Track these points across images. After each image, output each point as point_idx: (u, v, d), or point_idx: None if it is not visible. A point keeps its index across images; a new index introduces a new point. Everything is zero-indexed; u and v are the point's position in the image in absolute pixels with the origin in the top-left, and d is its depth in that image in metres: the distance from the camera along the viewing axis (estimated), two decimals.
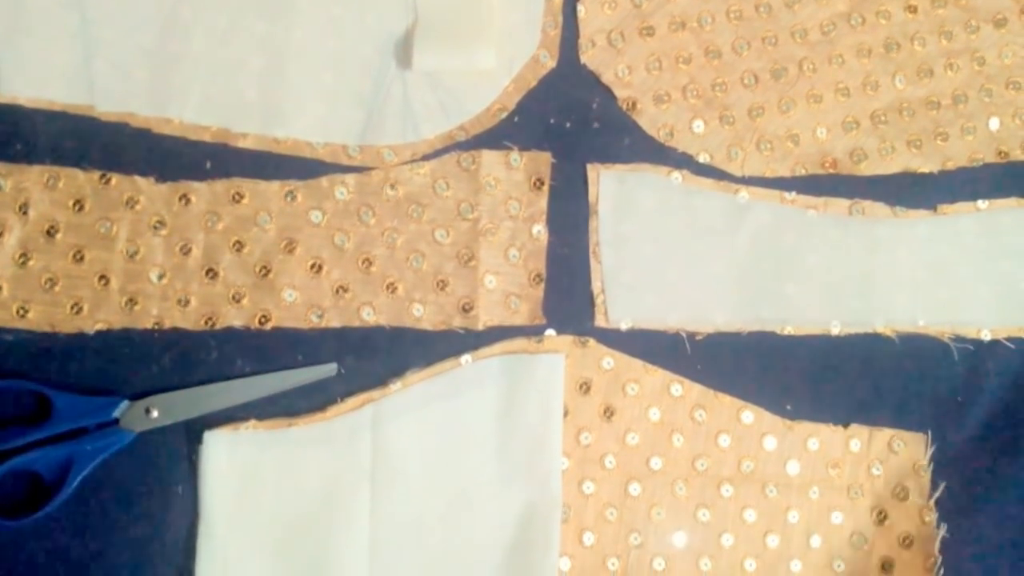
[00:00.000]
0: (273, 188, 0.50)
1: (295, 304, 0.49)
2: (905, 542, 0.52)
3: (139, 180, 0.49)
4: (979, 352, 0.53)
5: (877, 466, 0.53)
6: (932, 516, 0.52)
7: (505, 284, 0.51)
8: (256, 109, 0.50)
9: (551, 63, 0.52)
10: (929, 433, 0.53)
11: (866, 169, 0.53)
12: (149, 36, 0.49)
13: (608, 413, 0.51)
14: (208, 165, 0.49)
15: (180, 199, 0.49)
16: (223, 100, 0.50)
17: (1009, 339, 0.53)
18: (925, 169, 0.53)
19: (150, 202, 0.49)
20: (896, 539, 0.52)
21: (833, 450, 0.52)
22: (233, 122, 0.49)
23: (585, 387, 0.51)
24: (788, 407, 0.52)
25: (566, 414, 0.51)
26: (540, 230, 0.51)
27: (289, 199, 0.50)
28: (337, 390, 0.49)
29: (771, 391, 0.52)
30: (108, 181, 0.49)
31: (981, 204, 0.54)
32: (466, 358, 0.50)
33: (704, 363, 0.52)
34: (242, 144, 0.50)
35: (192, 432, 0.48)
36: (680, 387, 0.52)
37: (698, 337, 0.52)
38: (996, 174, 0.54)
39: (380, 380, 0.50)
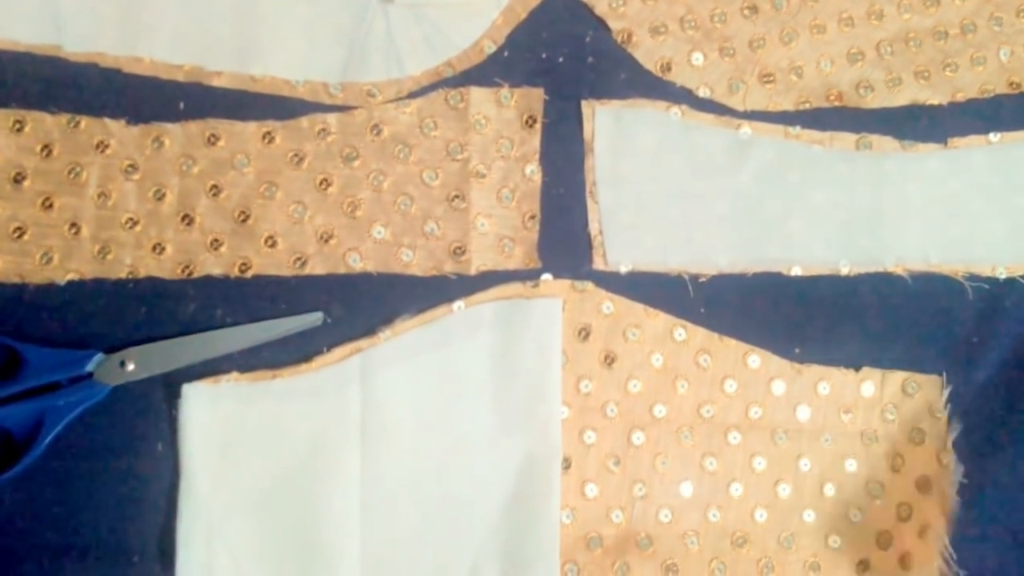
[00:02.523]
0: (250, 129, 0.49)
1: (277, 251, 0.49)
2: (923, 486, 0.52)
3: (109, 123, 0.48)
4: (994, 290, 0.53)
5: (891, 410, 0.52)
6: (950, 459, 0.52)
7: (498, 227, 0.50)
8: (230, 45, 0.49)
9: None
10: (944, 375, 0.52)
11: (873, 102, 0.53)
12: None
13: (609, 360, 0.51)
14: (181, 106, 0.49)
15: (153, 142, 0.48)
16: (195, 37, 0.49)
17: None
18: (934, 101, 0.53)
19: (121, 146, 0.48)
20: (913, 484, 0.52)
21: (845, 395, 0.52)
22: (207, 60, 0.49)
23: (584, 333, 0.51)
24: (797, 350, 0.52)
25: (565, 361, 0.50)
26: (533, 170, 0.51)
27: (268, 141, 0.49)
28: (323, 340, 0.49)
29: (779, 334, 0.52)
30: (77, 124, 0.48)
31: (993, 137, 0.53)
32: (458, 304, 0.50)
33: (708, 306, 0.52)
34: (217, 83, 0.49)
35: (170, 386, 0.47)
36: (683, 331, 0.51)
37: (701, 279, 0.51)
38: (1008, 106, 0.54)
39: (368, 329, 0.49)
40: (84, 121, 0.48)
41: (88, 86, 0.48)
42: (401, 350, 0.49)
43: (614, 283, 0.51)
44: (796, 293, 0.52)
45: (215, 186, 0.48)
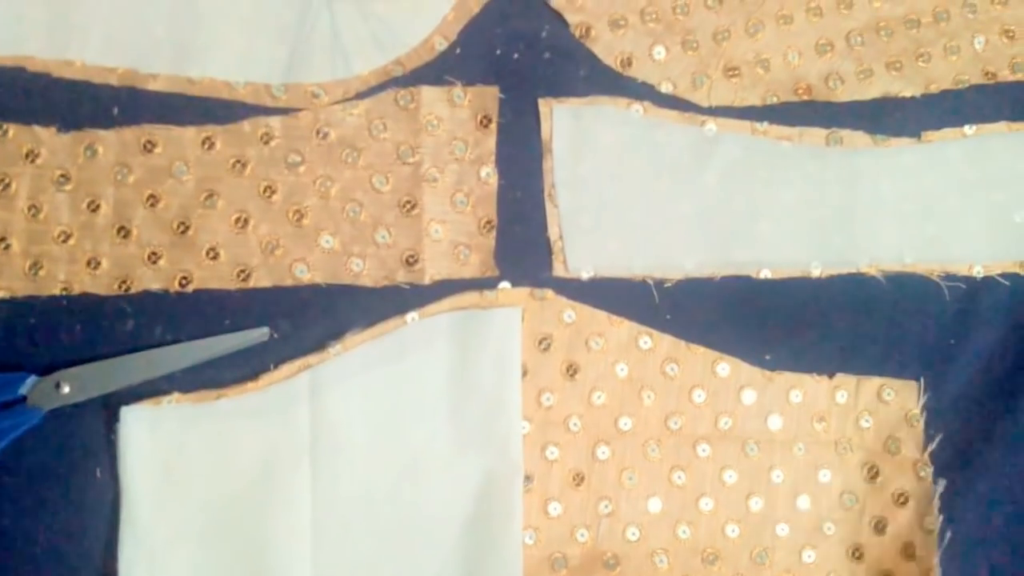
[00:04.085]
0: (189, 135, 0.48)
1: (219, 263, 0.48)
2: (900, 500, 0.51)
3: (39, 130, 0.47)
4: (971, 290, 0.52)
5: (866, 418, 0.52)
6: (928, 471, 0.51)
7: (452, 233, 0.50)
8: (166, 46, 0.48)
9: None
10: (921, 380, 0.52)
11: (843, 95, 0.52)
12: None
13: (571, 371, 0.50)
14: (115, 111, 0.48)
15: (85, 150, 0.47)
16: (129, 38, 0.48)
17: (1003, 275, 0.52)
18: (907, 93, 0.53)
19: (52, 154, 0.47)
20: (890, 497, 0.51)
21: (818, 402, 0.52)
22: (141, 62, 0.48)
23: (545, 343, 0.50)
24: (767, 357, 0.51)
25: (525, 374, 0.49)
26: (489, 172, 0.50)
27: (207, 147, 0.48)
28: (270, 357, 0.48)
29: (748, 340, 0.51)
30: (5, 133, 0.47)
31: (968, 130, 0.53)
32: (412, 316, 0.49)
33: (674, 312, 0.51)
34: (152, 86, 0.48)
35: (109, 408, 0.46)
36: (649, 339, 0.50)
37: (667, 284, 0.51)
38: (983, 97, 0.53)
39: (317, 344, 0.48)
40: (11, 129, 0.47)
41: (15, 92, 0.47)
42: (352, 365, 0.48)
43: (576, 290, 0.50)
44: (766, 297, 0.51)
45: (152, 196, 0.47)
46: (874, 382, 0.52)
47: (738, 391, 0.51)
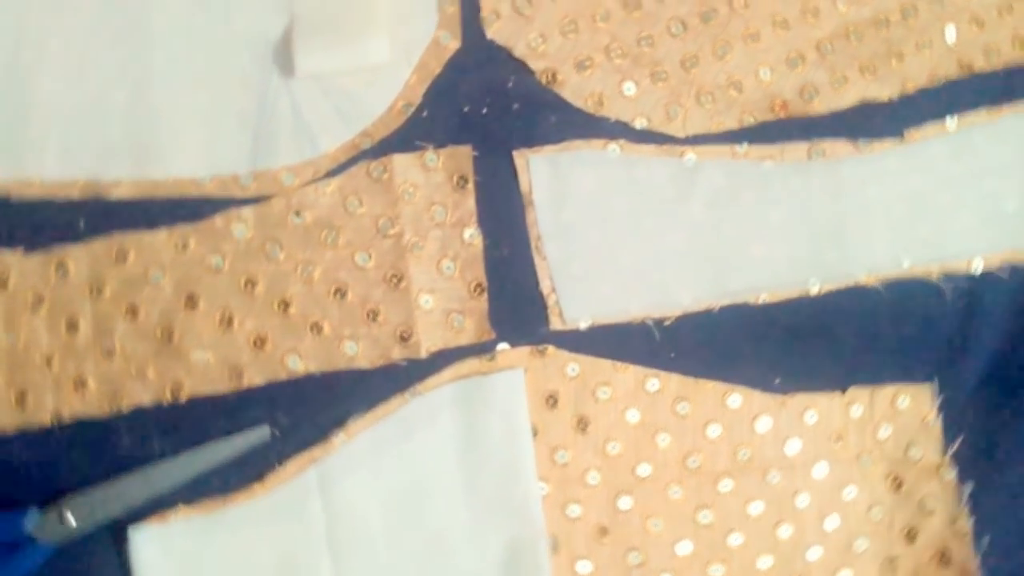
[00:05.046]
0: (161, 238, 0.47)
1: (208, 366, 0.47)
2: (927, 506, 0.51)
3: (5, 255, 0.46)
4: (973, 286, 0.52)
5: (884, 428, 0.52)
6: (951, 473, 0.51)
7: (444, 302, 0.49)
8: (126, 150, 0.47)
9: (454, 44, 0.50)
10: (935, 382, 0.52)
11: (819, 106, 0.52)
12: None
13: (582, 424, 0.50)
14: (82, 224, 0.47)
15: (56, 269, 0.46)
16: (87, 146, 0.47)
17: (1003, 266, 0.52)
18: (884, 96, 0.52)
19: (22, 278, 0.46)
20: (917, 504, 0.52)
21: (833, 420, 0.52)
22: (103, 170, 0.47)
23: (552, 400, 0.50)
24: (777, 381, 0.51)
25: (535, 434, 0.49)
26: (473, 234, 0.49)
27: (181, 248, 0.47)
28: (273, 455, 0.47)
29: (756, 367, 0.51)
30: None
31: (950, 124, 0.53)
32: (413, 393, 0.48)
33: (678, 350, 0.51)
34: (117, 194, 0.47)
35: (118, 531, 0.46)
36: (656, 381, 0.50)
37: (666, 322, 0.50)
38: (961, 89, 0.53)
39: (320, 435, 0.48)
40: None
41: None
42: (359, 452, 0.47)
43: (576, 341, 0.50)
44: (767, 321, 0.51)
45: (131, 307, 0.47)
46: (887, 391, 0.52)
47: (752, 420, 0.51)
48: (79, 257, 0.46)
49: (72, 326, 0.46)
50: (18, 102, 0.46)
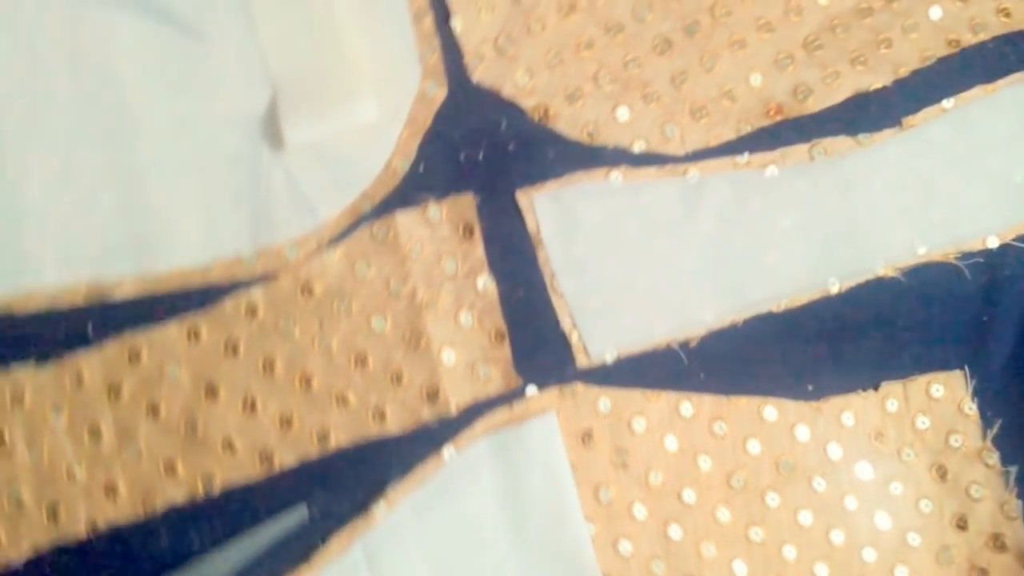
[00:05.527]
0: (172, 332, 0.47)
1: (238, 454, 0.47)
2: (974, 493, 0.51)
3: (18, 371, 0.45)
4: (991, 263, 0.52)
5: (921, 419, 0.52)
6: (994, 456, 0.51)
7: (466, 354, 0.49)
8: (125, 248, 0.46)
9: (442, 93, 0.49)
10: (966, 367, 0.52)
11: (814, 104, 0.52)
12: None
13: (621, 458, 0.49)
14: (90, 329, 0.46)
15: (71, 378, 0.46)
16: (84, 250, 0.46)
17: (1018, 238, 0.52)
18: (877, 84, 0.52)
19: (38, 392, 0.46)
20: (964, 492, 0.51)
21: (871, 418, 0.51)
22: (104, 271, 0.46)
23: (587, 438, 0.49)
24: (810, 387, 0.51)
25: (576, 475, 0.49)
26: (486, 282, 0.49)
27: (194, 339, 0.47)
28: (316, 535, 0.47)
29: (787, 376, 0.51)
30: None
31: (947, 104, 0.53)
32: (449, 452, 0.48)
33: (707, 369, 0.50)
34: (122, 294, 0.46)
35: None
36: (690, 404, 0.50)
37: (692, 344, 0.50)
38: (953, 67, 0.53)
39: (361, 508, 0.47)
40: None
41: None
42: (402, 520, 0.47)
43: (604, 376, 0.50)
44: (792, 328, 0.51)
45: (152, 405, 0.46)
46: (920, 381, 0.52)
47: (791, 430, 0.50)
48: (92, 363, 0.46)
49: (95, 433, 0.45)
50: (8, 214, 0.45)
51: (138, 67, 0.46)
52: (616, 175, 0.50)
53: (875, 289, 0.51)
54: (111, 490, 0.45)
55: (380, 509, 0.47)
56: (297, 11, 0.47)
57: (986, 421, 0.51)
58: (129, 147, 0.46)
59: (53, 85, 0.46)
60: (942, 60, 0.53)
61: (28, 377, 0.45)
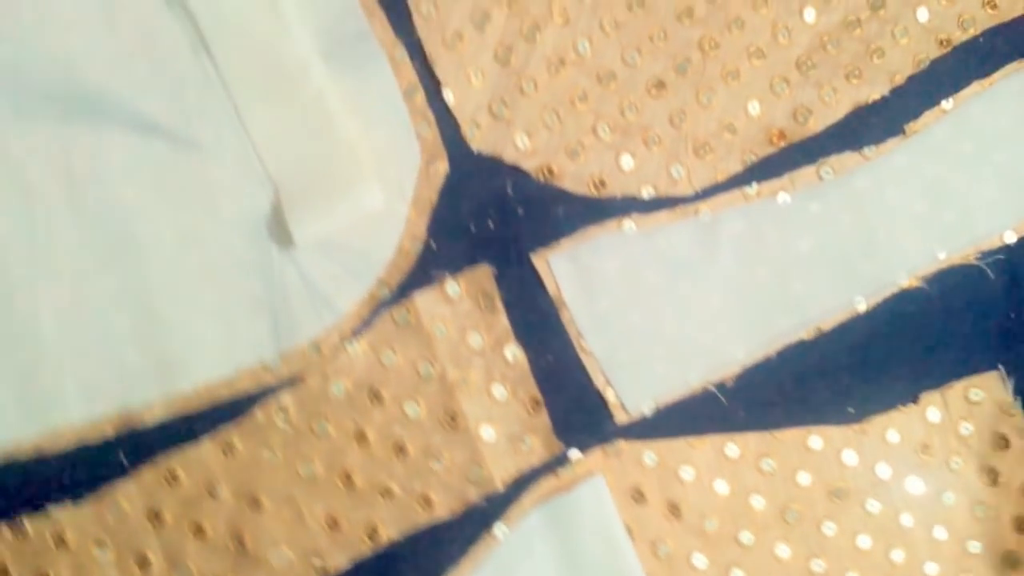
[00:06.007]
0: (206, 450, 0.47)
1: (290, 563, 0.47)
2: None
3: (56, 512, 0.45)
4: (1011, 258, 0.53)
5: (964, 425, 0.52)
6: None
7: (505, 427, 0.49)
8: (148, 372, 0.46)
9: (443, 167, 0.49)
10: (1001, 367, 0.52)
11: (816, 125, 0.52)
12: None
13: (673, 510, 0.50)
14: (124, 458, 0.46)
15: (110, 511, 0.46)
16: (106, 379, 0.46)
17: None
18: (875, 95, 0.53)
19: (79, 530, 0.46)
20: (1018, 492, 0.52)
21: (915, 432, 0.52)
22: (130, 398, 0.46)
23: (637, 494, 0.49)
24: (851, 410, 0.52)
25: (631, 534, 0.49)
26: (514, 351, 0.49)
27: (229, 452, 0.47)
28: None
29: (826, 402, 0.52)
30: (22, 533, 0.45)
31: (946, 104, 0.53)
32: (501, 530, 0.48)
33: (746, 407, 0.51)
34: (151, 418, 0.46)
35: None
36: (735, 445, 0.50)
37: (728, 383, 0.50)
38: (947, 66, 0.54)
39: None
40: (28, 522, 0.45)
41: (12, 484, 0.45)
42: None
43: (645, 429, 0.50)
44: (825, 352, 0.52)
45: (196, 526, 0.46)
46: (958, 388, 0.52)
47: (838, 456, 0.51)
48: (130, 492, 0.46)
49: (143, 562, 0.45)
50: (24, 353, 0.45)
51: (135, 186, 0.46)
52: (629, 224, 0.50)
53: (901, 301, 0.52)
54: None
55: None
56: (287, 106, 0.47)
57: None
58: (137, 269, 0.46)
59: (52, 216, 0.46)
60: (936, 61, 0.53)
61: (67, 517, 0.45)
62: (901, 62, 0.53)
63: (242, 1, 0.47)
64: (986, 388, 0.52)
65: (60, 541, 0.45)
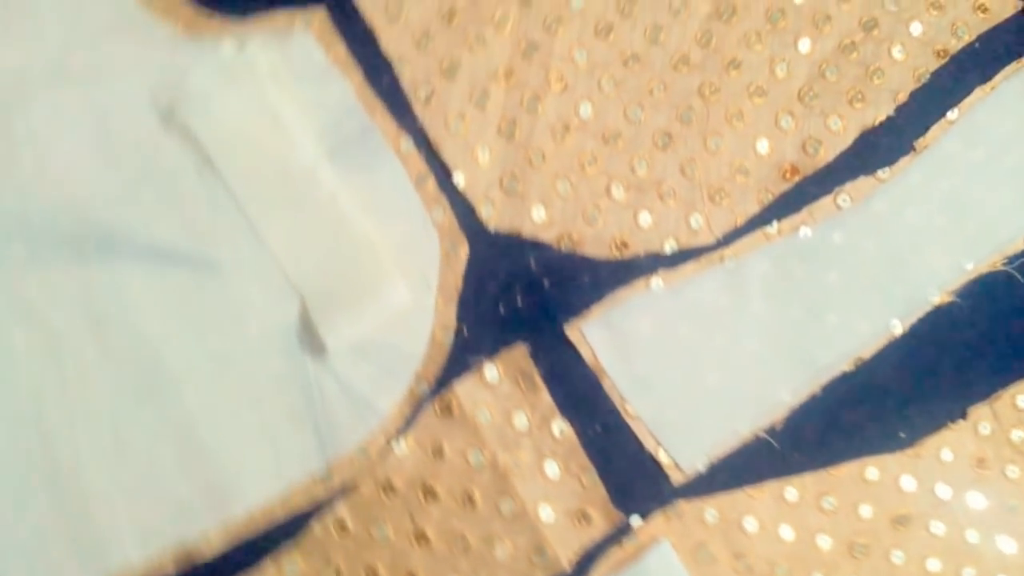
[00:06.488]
0: (269, 573, 0.47)
1: None
2: None
3: None
4: None
5: (1016, 433, 0.53)
6: None
7: (563, 505, 0.49)
8: (200, 503, 0.47)
9: (464, 251, 0.50)
10: None
11: (826, 154, 0.53)
12: (40, 507, 0.45)
13: (742, 563, 0.50)
14: None
15: None
16: (161, 517, 0.47)
17: None
18: (881, 116, 0.53)
19: None
20: None
21: (967, 447, 0.53)
22: (186, 533, 0.46)
23: (704, 553, 0.50)
24: (902, 435, 0.52)
25: None
26: (561, 427, 0.49)
27: (293, 572, 0.46)
28: None
29: (877, 431, 0.52)
30: None
31: (952, 115, 0.54)
32: None
33: (799, 448, 0.51)
34: (210, 550, 0.46)
35: None
36: (793, 489, 0.51)
37: (777, 427, 0.51)
38: (948, 76, 0.55)
39: None
40: None
41: None
42: None
43: (702, 485, 0.51)
44: (868, 381, 0.52)
45: None
46: (1005, 397, 0.53)
47: (896, 484, 0.52)
48: None
49: None
50: (73, 504, 0.46)
51: (159, 316, 0.47)
52: (656, 282, 0.50)
53: (937, 318, 0.53)
54: None
55: None
56: (301, 214, 0.47)
57: None
58: (174, 400, 0.46)
59: (81, 358, 0.46)
60: (936, 73, 0.54)
61: None
62: (901, 79, 0.54)
63: (243, 116, 0.47)
64: None
65: None
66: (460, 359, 0.50)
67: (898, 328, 0.53)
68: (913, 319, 0.53)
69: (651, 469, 0.51)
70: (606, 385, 0.51)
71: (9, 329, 0.46)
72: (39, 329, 0.46)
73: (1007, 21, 0.55)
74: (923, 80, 0.54)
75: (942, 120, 0.54)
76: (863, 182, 0.53)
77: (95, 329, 0.47)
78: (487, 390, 0.50)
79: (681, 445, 0.51)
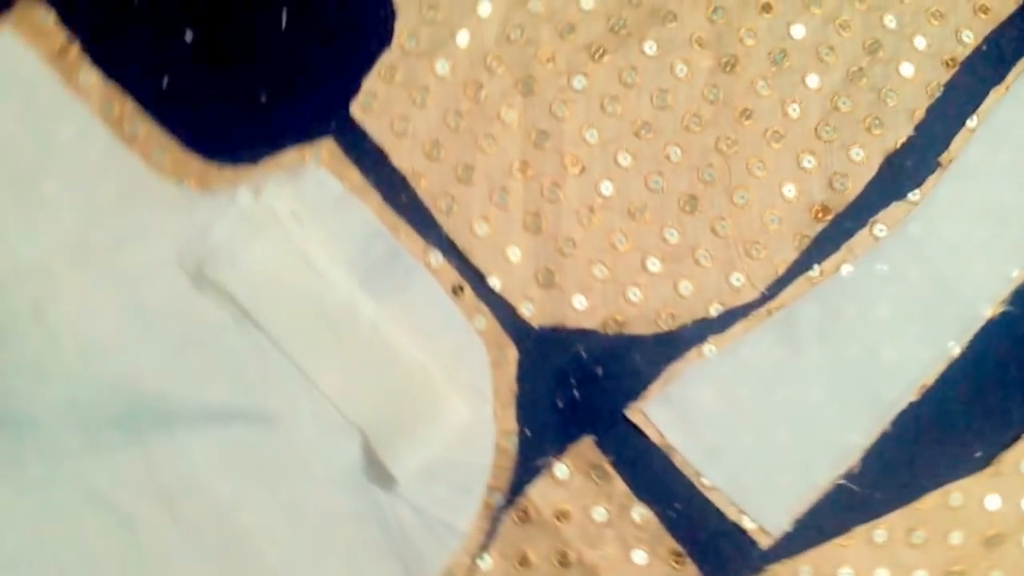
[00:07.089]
0: None
1: None
2: None
3: None
4: None
5: None
6: None
7: None
8: None
9: (512, 353, 0.51)
10: None
11: (854, 187, 0.54)
12: None
13: None
14: None
15: None
16: None
17: None
18: (902, 139, 0.54)
19: None
20: None
21: None
22: None
23: None
24: (978, 454, 0.53)
25: None
26: (640, 512, 0.50)
27: None
28: None
29: (953, 455, 0.54)
30: None
31: (971, 123, 0.54)
32: None
33: (880, 488, 0.53)
34: None
35: None
36: (881, 530, 0.52)
37: (855, 470, 0.52)
38: (960, 85, 0.55)
39: None
40: None
41: None
42: None
43: (791, 544, 0.52)
44: (936, 406, 0.54)
45: None
46: None
47: (981, 505, 0.53)
48: None
49: None
50: None
51: (226, 479, 0.48)
52: (708, 348, 0.51)
53: (992, 330, 0.54)
54: None
55: None
56: (347, 349, 0.49)
57: None
58: (255, 559, 0.47)
59: (157, 537, 0.48)
60: (948, 84, 0.55)
61: None
62: (915, 96, 0.54)
63: (272, 262, 0.48)
64: None
65: None
66: (528, 463, 0.50)
67: (956, 349, 0.53)
68: (969, 336, 0.53)
69: (737, 538, 0.51)
70: (677, 461, 0.51)
71: (80, 520, 0.47)
72: (110, 514, 0.47)
73: (1011, 18, 0.55)
74: (937, 93, 0.55)
75: (963, 130, 0.55)
76: (896, 208, 0.54)
77: (166, 504, 0.47)
78: (560, 489, 0.50)
79: (763, 508, 0.51)
